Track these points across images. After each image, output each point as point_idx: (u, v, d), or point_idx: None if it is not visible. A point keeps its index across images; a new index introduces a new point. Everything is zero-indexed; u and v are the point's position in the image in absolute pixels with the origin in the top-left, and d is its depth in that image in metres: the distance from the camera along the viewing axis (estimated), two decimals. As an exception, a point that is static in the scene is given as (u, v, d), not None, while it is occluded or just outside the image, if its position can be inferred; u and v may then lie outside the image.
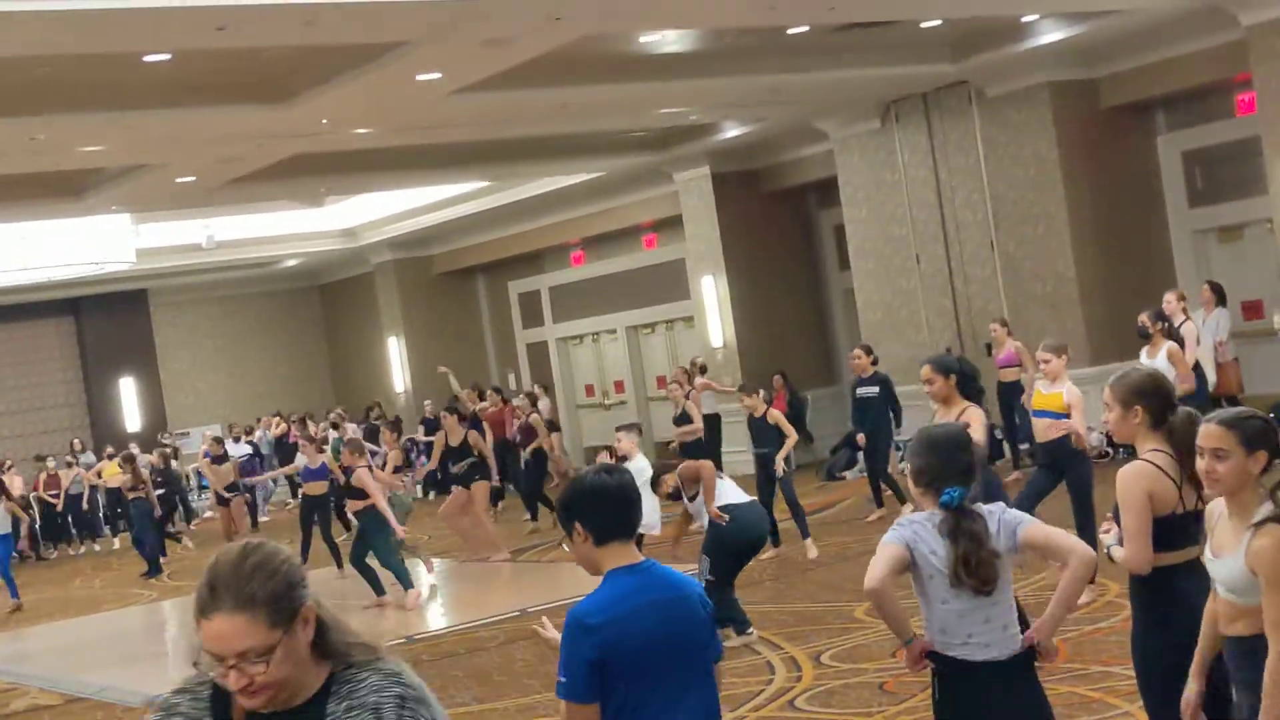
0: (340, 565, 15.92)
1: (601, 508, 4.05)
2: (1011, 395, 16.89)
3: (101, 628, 15.97)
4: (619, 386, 26.98)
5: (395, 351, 29.43)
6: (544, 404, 23.06)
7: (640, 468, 12.30)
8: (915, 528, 4.55)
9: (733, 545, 10.42)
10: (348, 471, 14.24)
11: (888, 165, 19.71)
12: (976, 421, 8.31)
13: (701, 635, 4.07)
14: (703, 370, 21.72)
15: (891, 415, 15.57)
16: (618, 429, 13.34)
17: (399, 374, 29.29)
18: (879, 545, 4.62)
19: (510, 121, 17.51)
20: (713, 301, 22.58)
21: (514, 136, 19.21)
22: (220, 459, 21.08)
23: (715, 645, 4.16)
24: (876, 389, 15.48)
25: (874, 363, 15.68)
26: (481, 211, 25.50)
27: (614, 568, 4.03)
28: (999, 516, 4.58)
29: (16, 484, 21.98)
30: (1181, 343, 12.78)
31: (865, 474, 16.82)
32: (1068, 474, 10.16)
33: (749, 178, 22.43)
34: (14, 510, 18.53)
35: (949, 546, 4.46)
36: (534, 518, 18.65)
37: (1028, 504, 10.22)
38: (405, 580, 14.04)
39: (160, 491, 20.75)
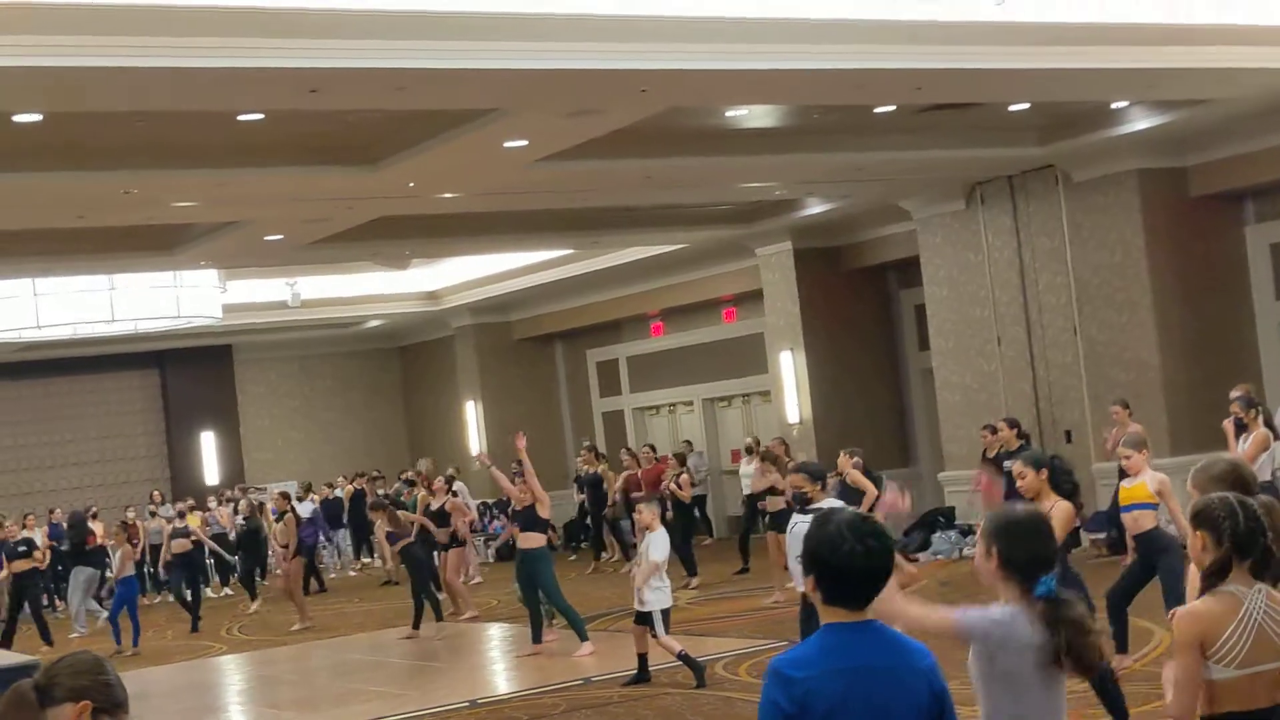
0: (429, 619, 16.76)
1: (831, 571, 3.81)
2: None
3: (169, 680, 16.06)
4: (695, 458, 26.93)
5: (472, 415, 29.54)
6: (693, 460, 23.63)
7: (659, 539, 12.25)
8: (1005, 627, 4.27)
9: None
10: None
11: (971, 246, 19.63)
12: (1059, 518, 8.24)
13: (907, 713, 3.79)
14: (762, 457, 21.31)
15: None
16: (638, 504, 13.27)
17: (475, 437, 29.38)
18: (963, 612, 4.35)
19: (594, 191, 17.63)
20: (790, 377, 22.52)
21: (597, 206, 19.35)
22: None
23: None
24: None
25: (1019, 435, 15.89)
26: (562, 279, 25.66)
27: (831, 621, 3.83)
28: None
29: (98, 529, 22.17)
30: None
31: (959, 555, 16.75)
32: (1158, 565, 10.16)
33: (830, 254, 22.43)
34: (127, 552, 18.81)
35: (1048, 636, 4.22)
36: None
37: (1121, 595, 10.19)
38: (580, 629, 14.13)
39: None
